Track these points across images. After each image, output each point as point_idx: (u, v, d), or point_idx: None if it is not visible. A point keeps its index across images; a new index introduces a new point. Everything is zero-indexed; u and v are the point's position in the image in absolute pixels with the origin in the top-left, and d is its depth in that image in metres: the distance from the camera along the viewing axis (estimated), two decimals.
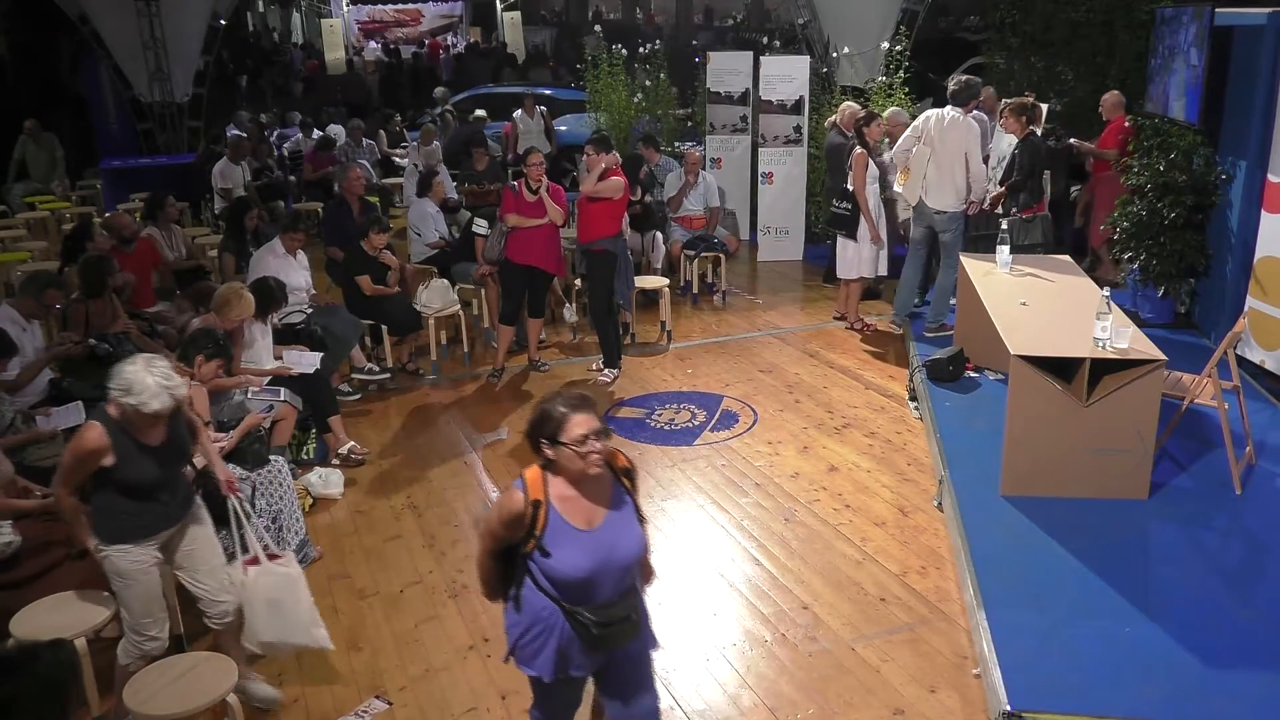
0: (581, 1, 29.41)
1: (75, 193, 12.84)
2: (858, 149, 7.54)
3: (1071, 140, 8.30)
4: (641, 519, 3.04)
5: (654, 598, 4.57)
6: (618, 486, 2.99)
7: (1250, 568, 4.54)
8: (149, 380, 3.38)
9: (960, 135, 7.04)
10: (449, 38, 27.76)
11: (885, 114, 8.46)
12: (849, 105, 8.72)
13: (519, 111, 12.78)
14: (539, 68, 21.36)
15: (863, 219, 7.59)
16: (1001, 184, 7.05)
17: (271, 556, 4.03)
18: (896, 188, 7.62)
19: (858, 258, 7.76)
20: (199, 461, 4.26)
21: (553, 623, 2.92)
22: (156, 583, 3.68)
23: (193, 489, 3.90)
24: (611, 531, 2.92)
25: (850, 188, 7.59)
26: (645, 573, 3.21)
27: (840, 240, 7.84)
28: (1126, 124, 7.75)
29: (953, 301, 7.21)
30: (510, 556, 2.98)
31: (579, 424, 2.82)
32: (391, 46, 26.10)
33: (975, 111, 7.48)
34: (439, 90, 16.68)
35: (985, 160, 7.39)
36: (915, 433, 6.23)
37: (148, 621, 3.65)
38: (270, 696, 3.94)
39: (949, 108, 7.13)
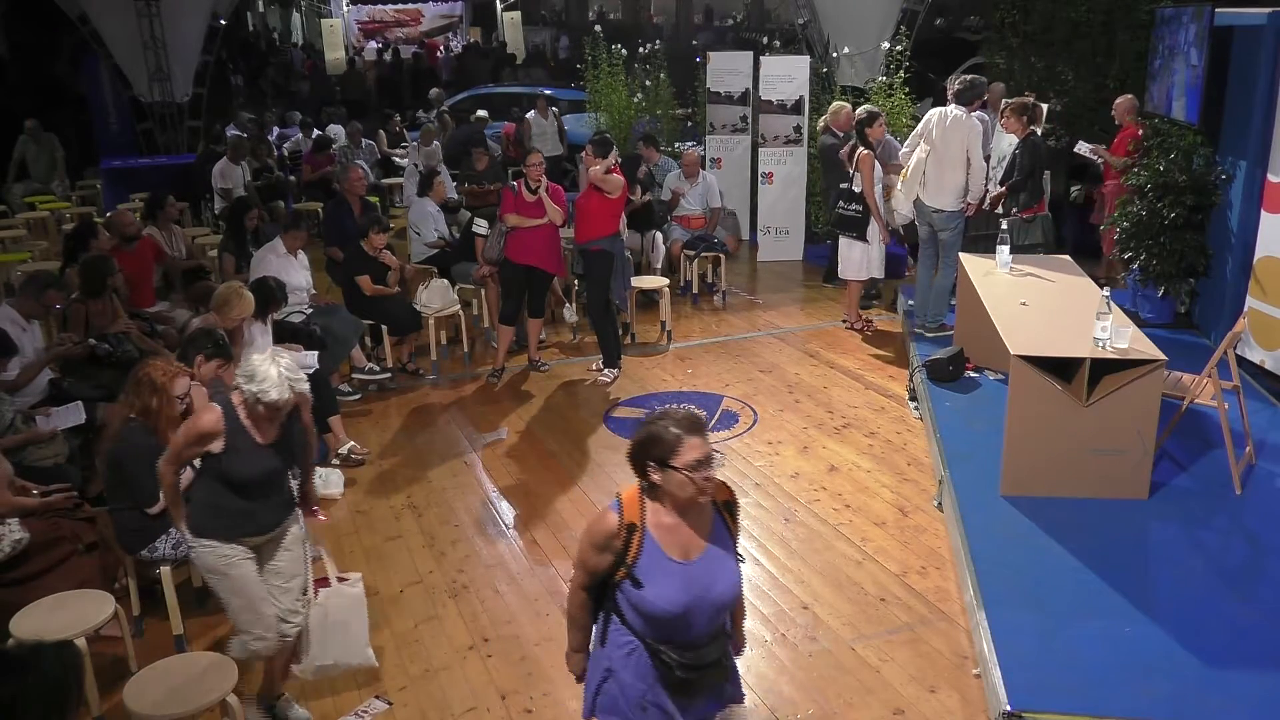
0: (581, 1, 29.40)
1: (75, 193, 12.84)
2: (862, 150, 7.53)
3: (1089, 149, 8.06)
4: (739, 556, 2.82)
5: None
6: (718, 519, 2.76)
7: (1250, 568, 4.55)
8: (272, 370, 3.35)
9: (962, 134, 7.03)
10: (448, 37, 27.74)
11: (830, 107, 8.53)
12: (842, 105, 8.74)
13: (532, 112, 12.72)
14: (536, 68, 21.38)
15: (873, 220, 7.59)
16: (1002, 184, 7.05)
17: (340, 578, 3.93)
18: (897, 186, 7.62)
19: (865, 259, 7.75)
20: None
21: (637, 664, 2.68)
22: (251, 577, 3.57)
23: (293, 500, 3.79)
24: (709, 566, 2.69)
25: (858, 189, 7.58)
26: (738, 616, 2.96)
27: (847, 241, 7.82)
28: (1140, 132, 7.68)
29: (952, 301, 7.21)
30: (602, 592, 2.75)
31: (693, 448, 2.58)
32: (383, 46, 26.12)
33: (978, 112, 7.48)
34: (434, 91, 16.70)
35: (987, 160, 7.39)
36: (915, 433, 6.23)
37: (249, 618, 3.56)
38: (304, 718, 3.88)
39: (951, 106, 7.11)
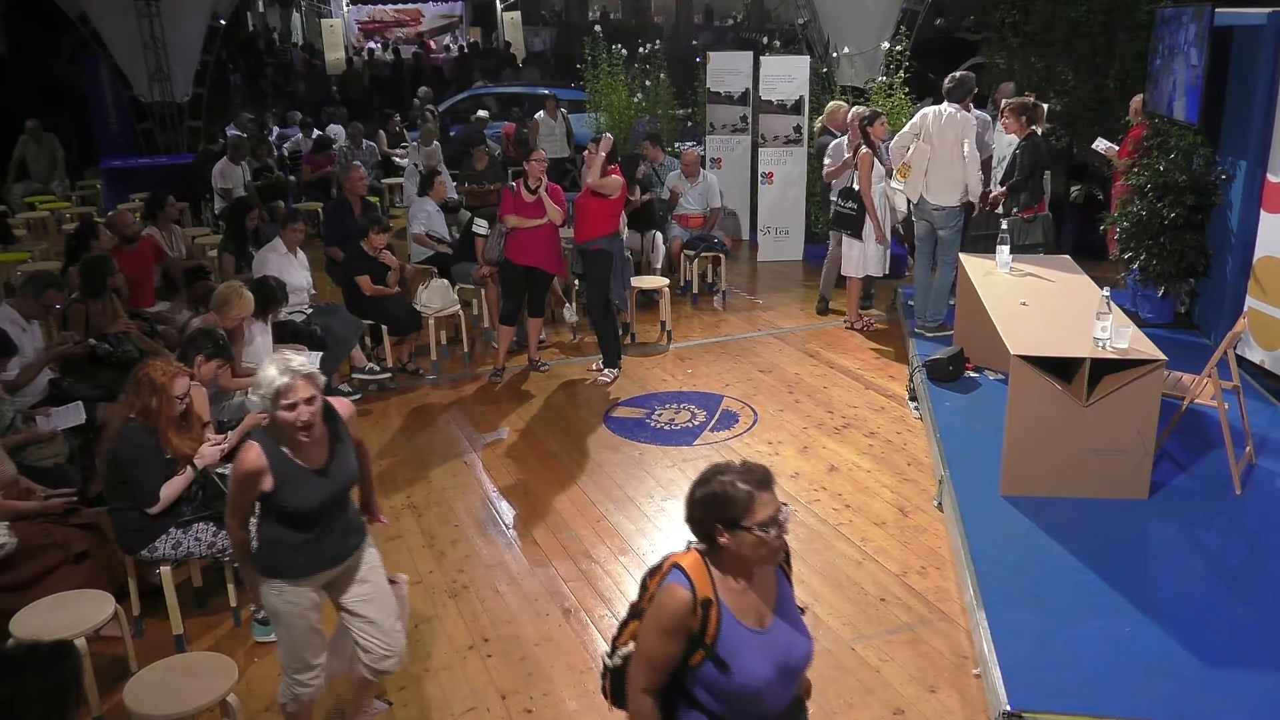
0: (581, 1, 29.40)
1: (75, 193, 12.84)
2: (863, 148, 7.57)
3: (1105, 147, 7.95)
4: (801, 608, 2.56)
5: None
6: (779, 573, 2.51)
7: (1250, 568, 4.54)
8: (269, 370, 3.18)
9: (957, 130, 7.07)
10: (445, 38, 27.74)
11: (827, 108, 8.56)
12: (839, 105, 8.75)
13: (541, 113, 12.68)
14: (533, 67, 21.39)
15: (868, 218, 7.63)
16: (1002, 184, 7.05)
17: (391, 581, 3.74)
18: (895, 185, 7.64)
19: (862, 257, 7.80)
20: (199, 461, 4.27)
21: None
22: (312, 629, 3.42)
23: (363, 525, 3.59)
24: (784, 630, 2.42)
25: (855, 187, 7.62)
26: (805, 682, 2.62)
27: (845, 240, 7.85)
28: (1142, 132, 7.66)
29: (952, 301, 7.22)
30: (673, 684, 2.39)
31: (766, 504, 2.30)
32: (382, 46, 26.15)
33: (977, 112, 7.49)
34: (423, 90, 16.75)
35: (988, 160, 7.41)
36: (915, 433, 6.23)
37: (298, 666, 3.44)
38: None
39: (945, 104, 7.16)
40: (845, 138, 8.11)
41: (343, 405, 3.46)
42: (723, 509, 2.31)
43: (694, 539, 2.45)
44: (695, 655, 2.32)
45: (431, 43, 26.12)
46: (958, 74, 7.32)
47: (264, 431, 3.30)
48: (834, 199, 7.93)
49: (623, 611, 4.47)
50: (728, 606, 2.35)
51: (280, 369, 3.16)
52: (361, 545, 3.52)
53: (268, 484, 3.24)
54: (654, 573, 2.47)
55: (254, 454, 3.22)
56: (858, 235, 7.72)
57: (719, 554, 2.36)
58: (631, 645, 2.47)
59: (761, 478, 2.34)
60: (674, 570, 2.37)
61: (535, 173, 6.97)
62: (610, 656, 2.57)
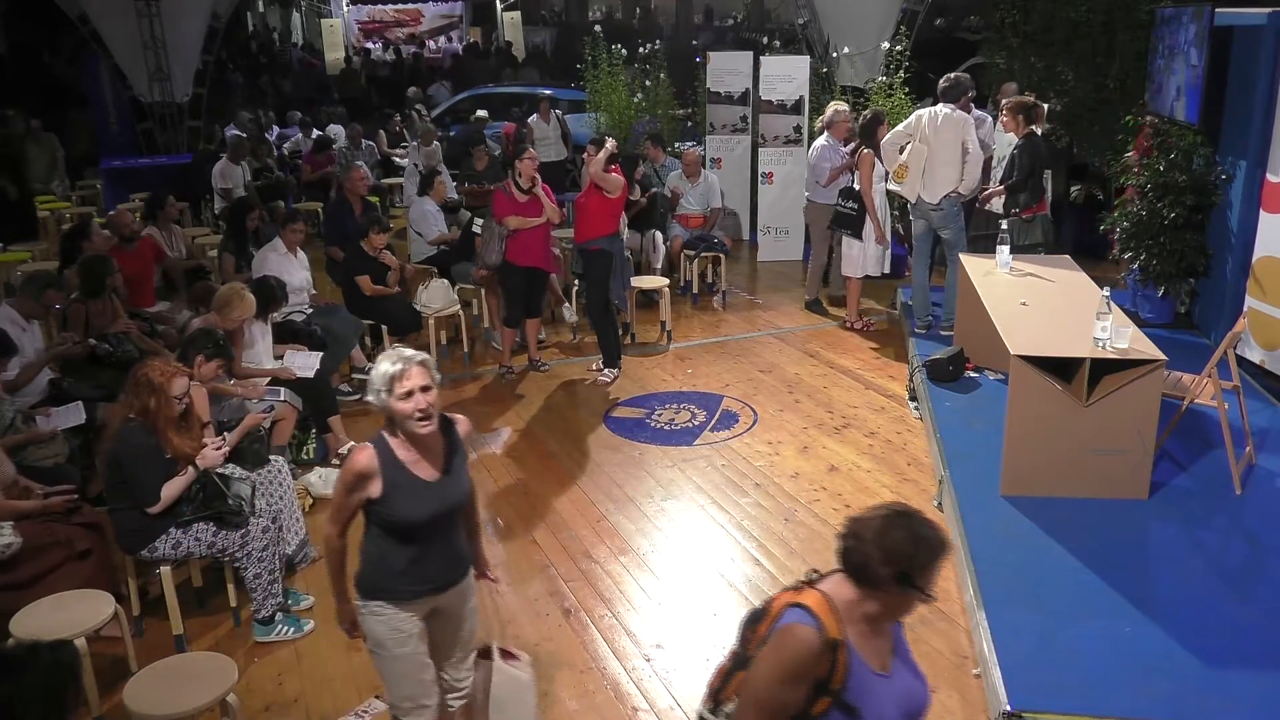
0: (581, 1, 29.39)
1: (75, 193, 12.84)
2: (864, 149, 7.59)
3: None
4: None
5: (654, 598, 4.58)
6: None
7: (1250, 568, 4.54)
8: (382, 364, 3.01)
9: (956, 130, 7.08)
10: (441, 39, 27.72)
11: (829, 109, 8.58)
12: (843, 107, 8.75)
13: (534, 116, 12.48)
14: (531, 68, 21.40)
15: (868, 218, 7.65)
16: (1002, 184, 7.06)
17: (506, 654, 3.51)
18: (892, 186, 7.65)
19: (862, 256, 7.81)
20: (200, 462, 4.26)
21: None
22: (419, 660, 3.19)
23: (467, 559, 3.34)
24: (904, 675, 2.28)
25: (856, 187, 7.64)
26: None
27: (845, 239, 7.87)
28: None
29: (937, 302, 7.25)
30: None
31: (940, 571, 2.16)
32: (375, 46, 26.18)
33: (977, 112, 7.50)
34: (412, 90, 16.79)
35: (989, 160, 7.42)
36: (915, 433, 6.23)
37: (409, 706, 3.20)
38: None
39: (941, 104, 7.18)
40: (825, 139, 8.20)
41: (462, 422, 3.26)
42: (907, 562, 2.12)
43: (814, 574, 2.29)
44: (820, 703, 2.12)
45: (430, 43, 26.10)
46: (951, 75, 7.35)
47: (379, 435, 3.10)
48: (835, 200, 7.94)
49: (623, 611, 4.50)
50: (856, 650, 2.17)
51: (392, 358, 3.01)
52: (463, 580, 3.29)
53: (375, 489, 3.03)
54: (760, 617, 2.29)
55: (365, 455, 3.04)
56: (858, 235, 7.73)
57: (860, 600, 2.17)
58: (736, 701, 2.26)
59: (945, 544, 2.19)
60: (794, 610, 2.17)
61: (527, 171, 6.96)
62: (714, 713, 2.37)
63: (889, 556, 2.12)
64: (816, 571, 2.35)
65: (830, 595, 2.19)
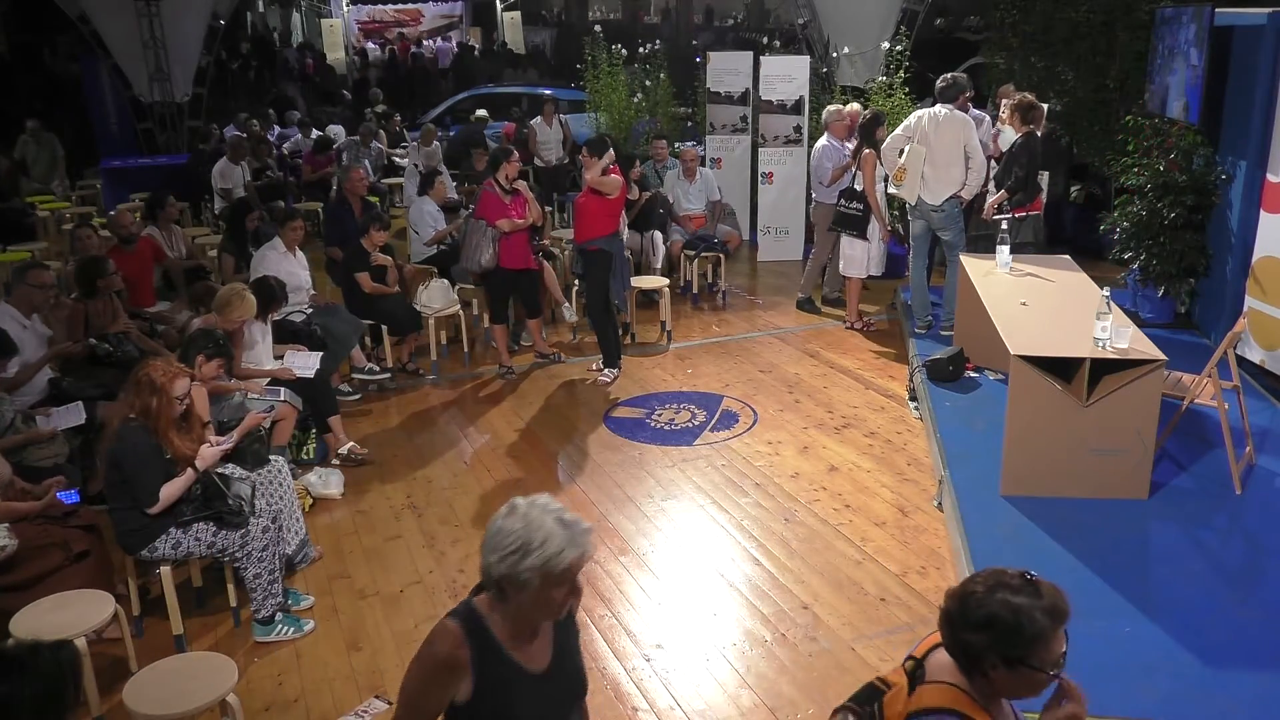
0: (582, 1, 29.40)
1: (75, 193, 12.84)
2: (866, 149, 7.60)
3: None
4: None
5: (654, 598, 4.58)
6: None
7: (1250, 568, 4.54)
8: (547, 520, 2.08)
9: (956, 131, 7.09)
10: (437, 39, 27.72)
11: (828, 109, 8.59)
12: (835, 107, 8.77)
13: (538, 119, 12.44)
14: (531, 68, 21.42)
15: (873, 218, 7.66)
16: (999, 183, 7.07)
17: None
18: (892, 189, 7.65)
19: (866, 256, 7.82)
20: (200, 463, 4.26)
21: None
22: None
23: None
24: None
25: (859, 187, 7.64)
26: None
27: (847, 239, 7.87)
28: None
29: (936, 301, 7.25)
30: None
31: (1061, 640, 1.95)
32: (375, 47, 26.24)
33: (976, 111, 7.51)
34: (373, 92, 16.85)
35: (991, 159, 7.43)
36: (915, 433, 6.23)
37: None
38: None
39: (939, 105, 7.18)
40: (826, 139, 8.17)
41: None
42: (1010, 640, 1.93)
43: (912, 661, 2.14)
44: None
45: (428, 43, 26.11)
46: (948, 75, 7.36)
47: (468, 607, 2.19)
48: (838, 200, 7.94)
49: (623, 611, 4.50)
50: None
51: (562, 522, 2.09)
52: None
53: (464, 691, 2.15)
54: None
55: (452, 639, 2.15)
56: (862, 235, 7.73)
57: (979, 685, 2.00)
58: None
59: (1059, 608, 1.96)
60: (938, 715, 1.98)
61: (510, 173, 7.01)
62: None
63: (988, 636, 1.96)
64: (914, 658, 2.21)
65: (958, 685, 2.03)
